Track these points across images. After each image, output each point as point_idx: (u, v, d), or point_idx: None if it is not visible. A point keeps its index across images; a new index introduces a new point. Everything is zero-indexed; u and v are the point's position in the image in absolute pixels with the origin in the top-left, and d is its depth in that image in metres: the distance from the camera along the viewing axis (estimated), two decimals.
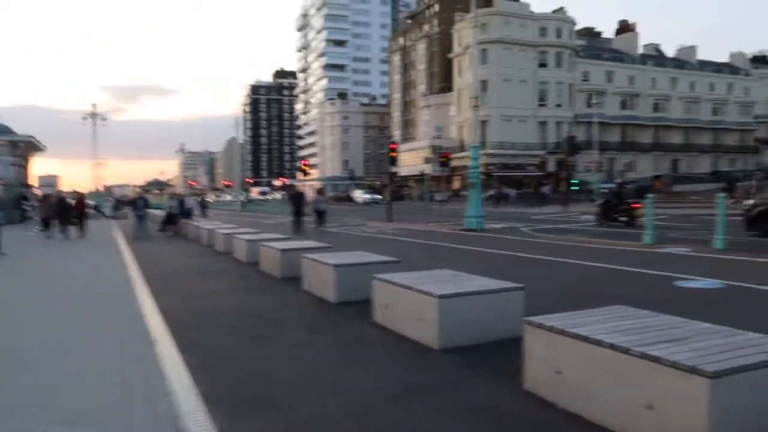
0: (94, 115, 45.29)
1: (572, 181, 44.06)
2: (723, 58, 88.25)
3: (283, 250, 9.82)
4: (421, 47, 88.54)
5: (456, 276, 6.39)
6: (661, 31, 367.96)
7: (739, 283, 7.85)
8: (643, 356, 3.26)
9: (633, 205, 19.02)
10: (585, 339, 3.64)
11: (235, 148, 69.98)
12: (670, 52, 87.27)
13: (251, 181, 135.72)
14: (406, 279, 6.10)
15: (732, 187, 32.58)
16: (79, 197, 22.62)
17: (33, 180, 48.41)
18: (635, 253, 11.75)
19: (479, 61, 25.53)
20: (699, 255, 11.08)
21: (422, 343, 5.30)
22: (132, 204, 22.02)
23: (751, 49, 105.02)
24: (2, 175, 39.71)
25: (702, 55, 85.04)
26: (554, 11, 72.64)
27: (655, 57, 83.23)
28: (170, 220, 21.21)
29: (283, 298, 8.04)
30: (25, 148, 45.38)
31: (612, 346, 3.45)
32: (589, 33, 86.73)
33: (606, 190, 21.76)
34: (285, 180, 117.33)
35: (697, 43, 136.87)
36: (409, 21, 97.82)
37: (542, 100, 68.96)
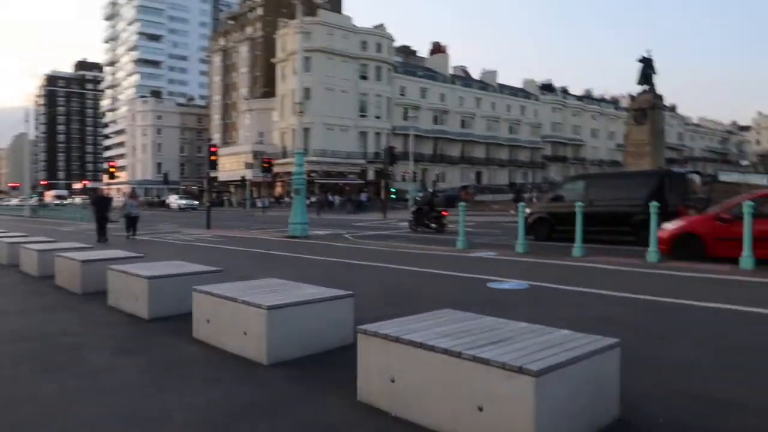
0: None
1: (391, 189, 46.09)
2: (518, 83, 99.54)
3: (85, 261, 8.65)
4: (244, 50, 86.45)
5: (283, 285, 6.11)
6: (468, 54, 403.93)
7: (540, 283, 8.68)
8: (475, 359, 3.33)
9: (443, 213, 20.91)
10: (420, 345, 3.63)
11: (25, 145, 61.19)
12: (475, 74, 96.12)
13: (46, 183, 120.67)
14: (230, 290, 5.68)
15: (521, 197, 37.84)
16: None
17: None
18: (450, 257, 12.48)
19: (303, 68, 25.52)
20: (505, 258, 12.13)
21: (249, 359, 4.94)
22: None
23: (540, 77, 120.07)
24: None
25: (501, 79, 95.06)
26: (375, 27, 75.74)
27: (463, 78, 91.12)
28: None
29: (84, 317, 7.04)
30: None
31: (445, 351, 3.48)
32: (406, 51, 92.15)
33: (418, 199, 23.77)
34: (87, 182, 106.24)
35: (497, 68, 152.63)
36: (231, 22, 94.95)
37: (363, 111, 71.39)
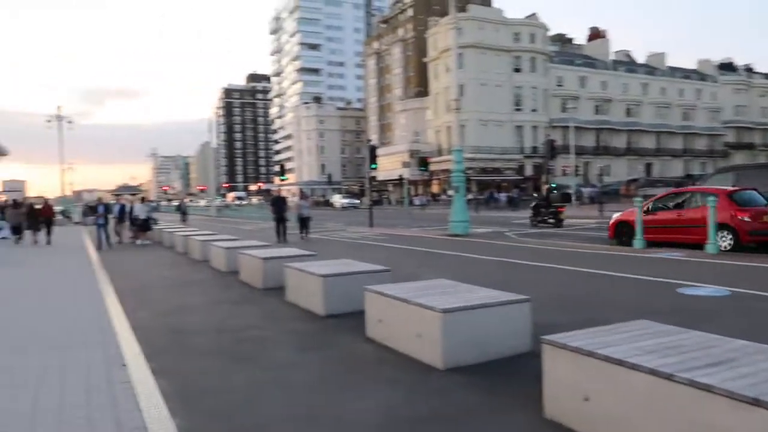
0: (59, 117, 43.88)
1: (551, 184, 44.11)
2: (691, 65, 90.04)
3: (265, 259, 9.28)
4: (397, 51, 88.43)
5: (454, 286, 5.96)
6: (631, 38, 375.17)
7: (745, 290, 7.58)
8: (692, 384, 2.87)
9: (559, 209, 21.19)
10: (619, 363, 3.23)
11: (209, 153, 68.54)
12: (640, 58, 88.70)
13: (227, 185, 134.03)
14: (401, 291, 5.65)
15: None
16: (45, 203, 21.73)
17: None
18: (627, 258, 11.48)
19: (457, 64, 25.35)
20: (694, 260, 10.85)
21: (424, 362, 4.85)
22: (92, 210, 20.00)
23: (717, 57, 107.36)
24: None
25: (671, 61, 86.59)
26: (527, 17, 73.15)
27: (627, 63, 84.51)
28: (142, 227, 20.07)
29: (266, 311, 7.51)
30: None
31: (652, 372, 3.05)
32: (561, 39, 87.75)
33: (536, 196, 24.58)
34: (261, 184, 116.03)
35: (665, 50, 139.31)
36: (384, 25, 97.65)
37: (518, 105, 69.34)
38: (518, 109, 69.33)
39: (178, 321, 7.05)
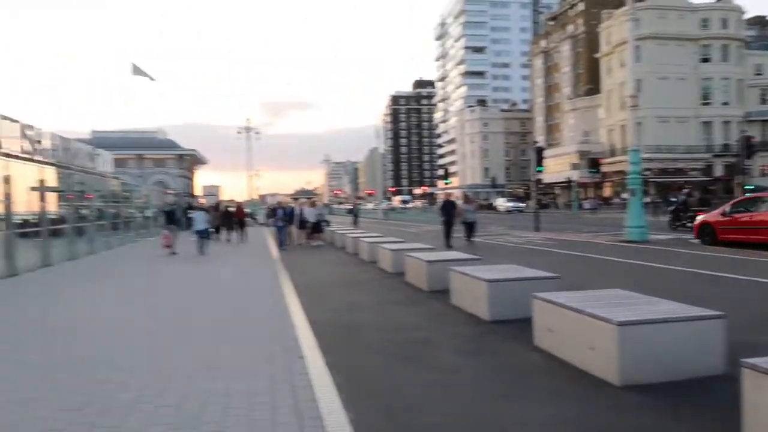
0: (248, 129, 48.78)
1: (747, 186, 39.10)
2: None
3: (430, 262, 9.42)
4: (565, 48, 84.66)
5: (631, 298, 5.52)
6: None
7: None
8: None
9: (697, 213, 19.70)
10: None
11: (377, 158, 71.62)
12: None
13: (393, 189, 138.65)
14: (573, 300, 5.36)
15: None
16: (238, 206, 24.28)
17: (197, 190, 53.18)
18: None
19: (634, 58, 23.51)
20: None
21: (597, 377, 4.55)
22: (272, 213, 21.19)
23: None
24: (171, 185, 44.22)
25: None
26: (717, 0, 65.59)
27: None
28: (315, 229, 21.07)
29: (432, 313, 7.61)
30: (190, 161, 50.26)
31: None
32: (760, 22, 77.32)
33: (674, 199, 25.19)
34: (425, 188, 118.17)
35: None
36: (551, 22, 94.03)
37: (705, 99, 62.48)
38: (706, 103, 62.45)
39: (349, 318, 7.43)
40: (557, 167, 70.96)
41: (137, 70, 46.06)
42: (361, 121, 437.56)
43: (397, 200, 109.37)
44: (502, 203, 63.65)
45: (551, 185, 73.13)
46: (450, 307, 7.86)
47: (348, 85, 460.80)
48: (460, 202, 20.99)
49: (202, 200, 44.36)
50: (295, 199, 56.84)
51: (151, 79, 46.45)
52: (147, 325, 6.97)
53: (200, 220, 17.44)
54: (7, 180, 12.24)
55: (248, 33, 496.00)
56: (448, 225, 18.19)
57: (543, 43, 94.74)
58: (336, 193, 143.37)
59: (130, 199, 27.18)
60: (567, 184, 64.07)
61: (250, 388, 4.34)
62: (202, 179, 60.69)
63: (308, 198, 58.04)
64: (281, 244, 19.25)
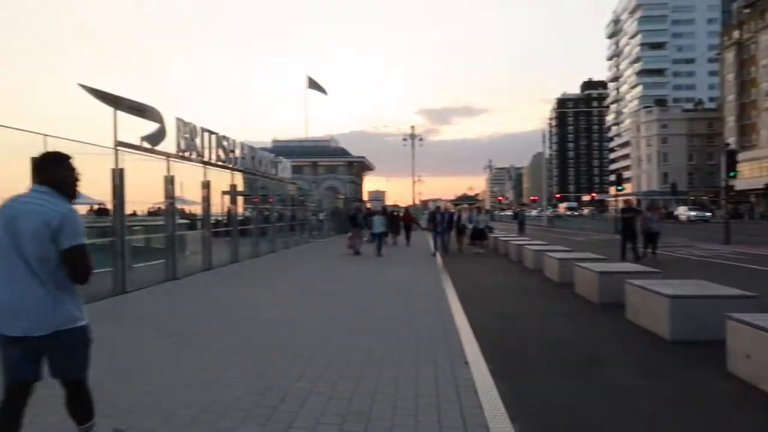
0: (412, 136, 50.02)
1: None
2: None
3: (602, 273, 8.84)
4: (765, 39, 74.64)
5: None
6: None
7: None
8: None
9: None
10: None
11: (542, 163, 69.34)
12: None
13: (558, 196, 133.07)
14: None
15: None
16: (405, 211, 24.99)
17: (364, 195, 55.72)
18: None
19: None
20: None
21: None
22: (431, 218, 20.63)
23: None
24: (341, 190, 46.82)
25: None
26: None
27: None
28: (478, 235, 20.66)
29: (603, 328, 7.14)
30: (358, 167, 52.84)
31: None
32: None
33: None
34: (594, 195, 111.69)
35: None
36: (747, 10, 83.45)
37: None
38: None
39: (513, 327, 7.25)
40: (753, 172, 62.85)
41: (312, 84, 49.61)
42: (525, 125, 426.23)
43: (562, 207, 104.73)
44: (683, 212, 57.89)
45: (745, 192, 64.87)
46: (624, 323, 7.30)
47: (513, 90, 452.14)
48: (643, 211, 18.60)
49: (369, 204, 46.34)
50: (456, 204, 57.01)
51: (324, 92, 49.75)
52: (322, 320, 7.43)
53: (378, 223, 18.67)
54: (206, 185, 13.86)
55: (414, 43, 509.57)
56: (627, 235, 16.20)
57: (736, 33, 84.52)
58: (499, 199, 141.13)
59: (305, 203, 29.34)
60: (765, 191, 56.33)
61: (417, 389, 4.41)
62: (369, 184, 63.50)
63: (470, 204, 57.90)
64: (442, 249, 19.16)
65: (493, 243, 21.61)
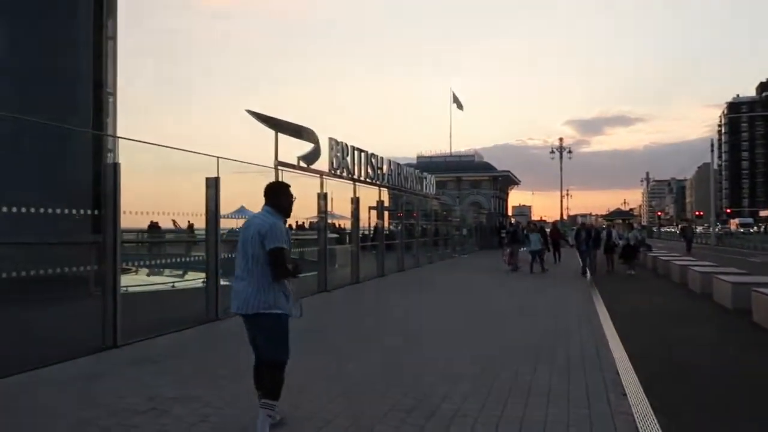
0: (560, 149, 48.08)
1: None
2: None
3: None
4: None
5: None
6: None
7: None
8: None
9: None
10: None
11: (709, 175, 62.95)
12: None
13: (729, 211, 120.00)
14: None
15: None
16: (553, 226, 24.05)
17: (509, 210, 54.55)
18: None
19: None
20: None
21: None
22: (577, 235, 18.97)
23: None
24: (485, 205, 46.24)
25: None
26: None
27: None
28: (629, 254, 18.38)
29: None
30: (503, 182, 51.87)
31: None
32: None
33: None
34: None
35: None
36: None
37: None
38: None
39: (677, 357, 6.61)
40: None
41: (455, 99, 49.85)
42: (686, 134, 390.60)
43: (734, 223, 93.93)
44: None
45: None
46: None
47: (671, 96, 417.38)
48: None
49: (513, 219, 45.26)
50: (610, 220, 53.59)
51: (460, 107, 49.70)
52: (468, 338, 7.36)
53: (535, 240, 18.12)
54: (355, 201, 14.47)
55: (560, 50, 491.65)
56: None
57: None
58: (658, 215, 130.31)
59: (449, 218, 29.44)
60: None
61: (568, 419, 4.19)
62: (514, 199, 62.11)
63: (623, 219, 54.18)
64: (588, 268, 17.44)
65: (651, 262, 19.98)
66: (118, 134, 11.20)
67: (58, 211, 6.19)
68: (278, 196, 3.96)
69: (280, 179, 10.60)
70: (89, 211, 6.75)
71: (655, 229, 79.40)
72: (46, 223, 6.44)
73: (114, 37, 13.86)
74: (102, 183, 6.63)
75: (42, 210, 5.97)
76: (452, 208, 34.02)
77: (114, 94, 13.45)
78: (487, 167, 50.55)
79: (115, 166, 6.59)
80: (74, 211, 6.44)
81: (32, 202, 5.98)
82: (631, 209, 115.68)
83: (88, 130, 11.48)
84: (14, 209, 5.70)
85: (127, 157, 7.76)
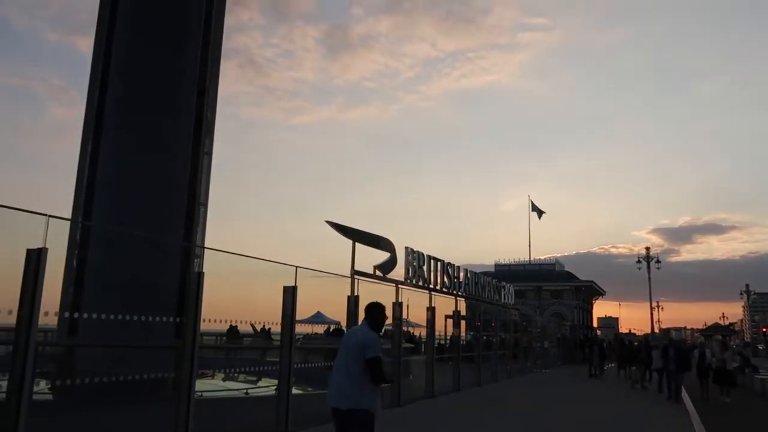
0: (647, 258, 45.94)
1: None
2: None
3: None
4: None
5: None
6: None
7: None
8: None
9: None
10: None
11: None
12: None
13: None
14: None
15: None
16: (645, 341, 22.52)
17: (594, 322, 51.81)
18: None
19: None
20: None
21: None
22: (663, 353, 16.24)
23: None
24: (568, 317, 44.18)
25: None
26: None
27: None
28: (724, 378, 15.38)
29: None
30: (586, 292, 49.69)
31: None
32: None
33: None
34: None
35: None
36: None
37: None
38: None
39: None
40: None
41: (534, 207, 49.59)
42: None
43: None
44: None
45: None
46: None
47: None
48: None
49: (599, 332, 42.79)
50: (708, 336, 49.50)
51: (540, 215, 49.20)
52: None
53: (656, 358, 16.54)
54: (431, 311, 14.23)
55: (643, 155, 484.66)
56: None
57: None
58: (762, 330, 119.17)
59: (529, 329, 28.24)
60: None
61: None
62: (599, 311, 59.11)
63: (722, 335, 49.86)
64: (673, 393, 15.08)
65: (759, 386, 17.99)
66: (205, 242, 11.87)
67: (143, 318, 6.45)
68: (375, 315, 4.88)
69: (356, 288, 10.68)
70: (172, 318, 6.99)
71: (760, 346, 72.24)
72: (131, 327, 6.70)
73: (209, 153, 15.05)
74: (186, 291, 6.90)
75: (127, 317, 6.23)
76: (532, 319, 32.74)
77: (205, 204, 14.38)
78: (569, 276, 48.84)
79: (199, 276, 6.88)
80: (158, 318, 6.69)
81: (120, 306, 6.28)
82: (730, 324, 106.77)
83: (180, 241, 12.22)
84: (103, 316, 5.98)
85: (211, 265, 8.12)
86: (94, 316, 6.09)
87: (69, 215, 12.93)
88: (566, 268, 51.36)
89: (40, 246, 5.11)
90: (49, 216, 5.18)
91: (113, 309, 6.17)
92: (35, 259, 5.08)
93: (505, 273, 41.21)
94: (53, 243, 5.43)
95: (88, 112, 14.29)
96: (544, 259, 52.38)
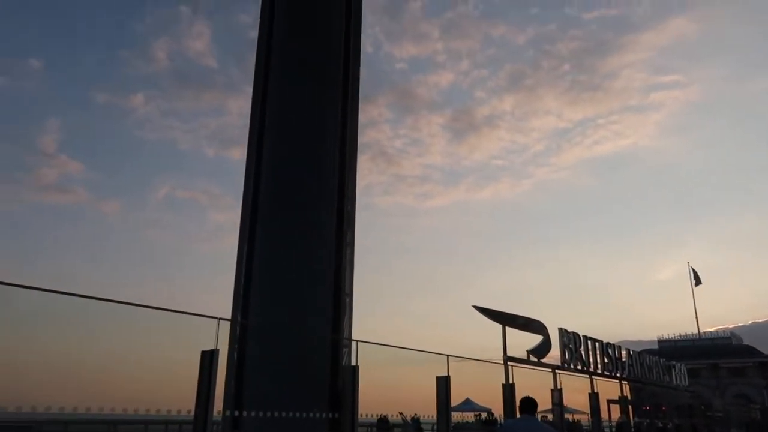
0: None
1: None
2: None
3: None
4: None
5: None
6: None
7: None
8: None
9: None
10: None
11: None
12: None
13: None
14: None
15: None
16: None
17: None
18: None
19: None
20: None
21: None
22: None
23: None
24: (756, 399, 38.25)
25: None
26: None
27: None
28: None
29: None
30: None
31: None
32: None
33: None
34: None
35: None
36: None
37: None
38: None
39: None
40: None
41: (695, 275, 45.02)
42: None
43: None
44: None
45: None
46: None
47: None
48: None
49: None
50: None
51: (698, 283, 44.40)
52: None
53: None
54: (594, 397, 13.01)
55: None
56: None
57: None
58: None
59: (709, 414, 24.84)
60: None
61: None
62: None
63: None
64: None
65: None
66: (353, 334, 11.92)
67: (301, 414, 6.47)
68: (532, 406, 5.85)
69: (510, 375, 10.08)
70: (329, 414, 6.96)
71: None
72: (288, 423, 6.74)
73: (351, 244, 15.54)
74: (338, 384, 6.87)
75: (284, 413, 6.29)
76: (710, 402, 28.83)
77: (350, 295, 14.68)
78: (751, 351, 42.81)
79: (354, 370, 6.84)
80: (316, 415, 6.68)
81: (276, 401, 6.35)
82: None
83: (329, 333, 12.46)
84: (261, 413, 6.09)
85: (361, 356, 8.09)
86: (253, 413, 6.22)
87: (229, 314, 13.81)
88: (745, 341, 45.20)
89: (212, 348, 5.38)
90: (220, 319, 5.48)
91: (269, 406, 6.28)
92: (208, 360, 5.35)
93: (671, 349, 37.23)
94: (221, 342, 5.72)
95: (244, 212, 15.53)
96: (715, 331, 46.69)
